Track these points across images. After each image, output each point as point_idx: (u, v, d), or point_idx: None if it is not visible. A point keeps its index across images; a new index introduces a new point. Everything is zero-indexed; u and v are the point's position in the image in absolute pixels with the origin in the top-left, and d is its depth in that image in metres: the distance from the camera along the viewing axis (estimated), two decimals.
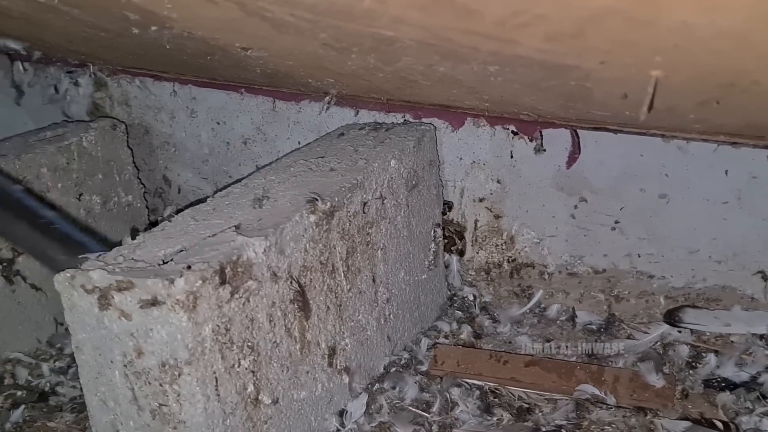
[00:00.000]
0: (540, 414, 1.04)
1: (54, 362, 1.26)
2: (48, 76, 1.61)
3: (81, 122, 1.47)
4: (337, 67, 0.93)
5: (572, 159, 1.17)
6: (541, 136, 1.18)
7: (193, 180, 1.57)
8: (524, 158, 1.25)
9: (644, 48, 0.54)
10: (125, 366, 0.81)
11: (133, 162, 1.50)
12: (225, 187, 1.07)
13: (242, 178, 1.09)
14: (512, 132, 1.23)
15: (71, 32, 1.05)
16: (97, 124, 1.43)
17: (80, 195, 1.36)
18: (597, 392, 1.06)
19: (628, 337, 1.20)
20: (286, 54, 0.90)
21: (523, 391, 1.09)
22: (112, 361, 0.82)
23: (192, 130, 1.54)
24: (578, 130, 1.14)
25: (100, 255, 0.85)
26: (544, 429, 1.01)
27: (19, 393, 1.18)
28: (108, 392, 0.84)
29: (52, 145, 1.33)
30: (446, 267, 1.35)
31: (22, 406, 1.13)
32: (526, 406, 1.06)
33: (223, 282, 0.81)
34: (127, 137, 1.48)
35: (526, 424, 1.03)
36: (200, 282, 0.78)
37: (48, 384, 1.20)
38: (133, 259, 0.84)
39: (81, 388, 1.17)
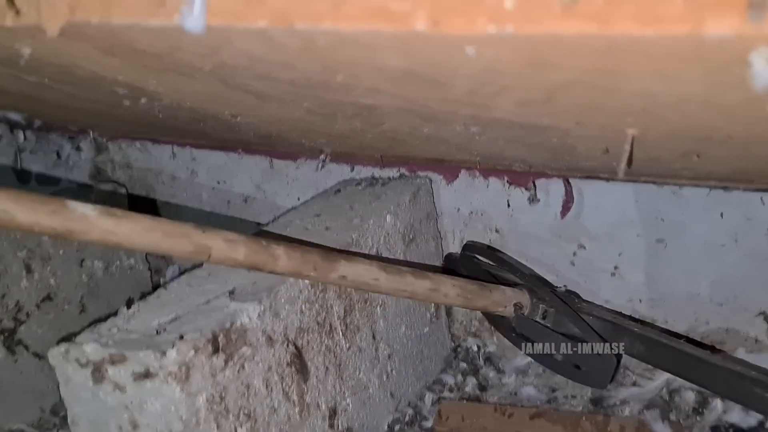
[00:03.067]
0: None
1: (57, 431, 1.26)
2: (50, 142, 1.64)
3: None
4: (326, 130, 0.95)
5: (566, 208, 1.17)
6: (535, 186, 1.18)
7: None
8: (521, 207, 1.25)
9: (614, 110, 0.55)
10: None
11: None
12: None
13: None
14: (508, 181, 1.23)
15: (66, 105, 1.07)
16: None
17: (82, 261, 1.37)
18: None
19: (633, 384, 1.18)
20: (275, 120, 0.92)
21: None
22: None
23: (193, 190, 1.55)
24: (570, 180, 1.14)
25: None
26: None
27: None
28: None
29: None
30: (448, 318, 1.34)
31: None
32: None
33: (216, 350, 0.81)
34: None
35: None
36: (192, 352, 0.78)
37: None
38: (127, 329, 0.85)
39: None
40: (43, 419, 1.28)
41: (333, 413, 1.01)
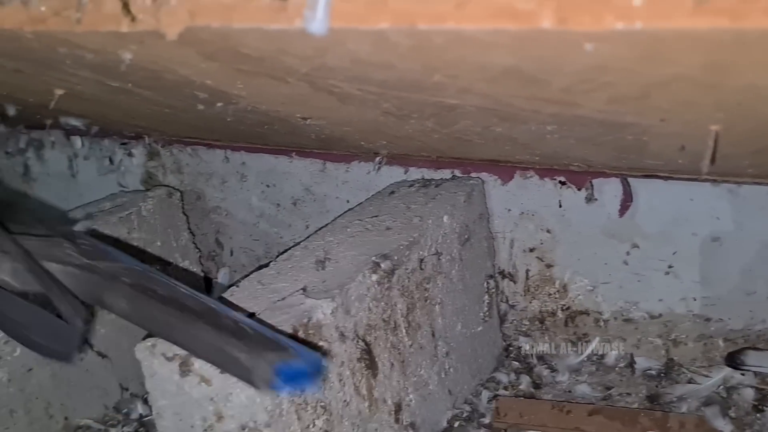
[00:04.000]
0: None
1: (122, 427, 1.29)
2: (102, 148, 1.68)
3: (138, 192, 1.52)
4: (393, 131, 0.97)
5: (624, 207, 1.19)
6: (592, 186, 1.20)
7: (245, 242, 1.62)
8: (573, 207, 1.27)
9: (707, 106, 0.57)
10: (205, 430, 0.84)
11: (188, 227, 1.55)
12: (285, 251, 1.10)
13: (301, 241, 1.13)
14: (560, 182, 1.25)
15: (135, 110, 1.10)
16: (154, 192, 1.48)
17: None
18: None
19: (689, 382, 1.20)
20: (345, 122, 0.94)
21: None
22: (192, 426, 0.85)
23: (242, 194, 1.58)
24: (629, 179, 1.16)
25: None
26: None
27: None
28: None
29: (114, 215, 1.38)
30: (501, 318, 1.36)
31: None
32: None
33: None
34: (182, 204, 1.53)
35: None
36: None
37: None
38: None
39: None
40: (108, 416, 1.31)
41: (398, 408, 1.03)
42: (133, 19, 0.59)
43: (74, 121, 1.38)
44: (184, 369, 0.82)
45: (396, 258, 1.03)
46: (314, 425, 0.87)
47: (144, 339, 0.86)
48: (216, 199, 1.61)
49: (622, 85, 0.54)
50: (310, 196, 1.52)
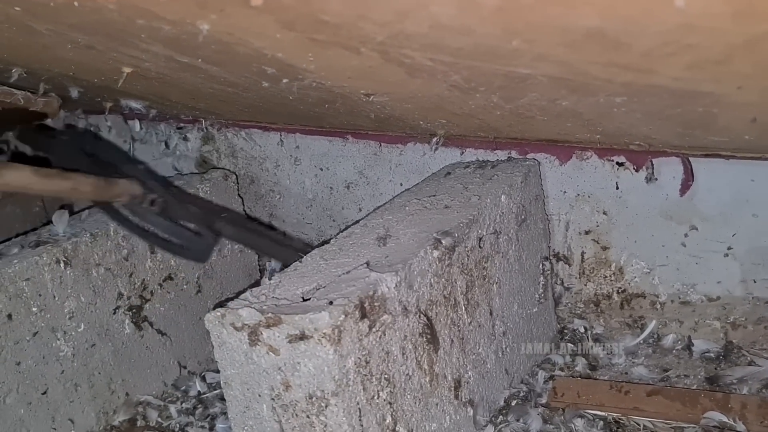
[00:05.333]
0: None
1: (181, 404, 1.32)
2: (159, 132, 1.71)
3: (195, 174, 1.55)
4: (455, 108, 0.97)
5: (685, 187, 1.18)
6: (652, 165, 1.19)
7: (298, 225, 1.63)
8: (630, 189, 1.26)
9: None
10: (273, 399, 0.85)
11: (243, 210, 1.57)
12: (345, 229, 1.11)
13: (359, 220, 1.14)
14: (617, 163, 1.24)
15: (197, 89, 1.12)
16: (210, 175, 1.50)
17: None
18: (725, 419, 1.05)
19: (750, 364, 1.18)
20: (408, 98, 0.95)
21: (649, 421, 1.09)
22: (260, 395, 0.86)
23: (296, 177, 1.60)
24: (690, 158, 1.14)
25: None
26: None
27: None
28: (256, 425, 0.88)
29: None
30: (555, 300, 1.36)
31: None
32: None
33: (363, 316, 0.85)
34: (238, 187, 1.55)
35: None
36: (343, 316, 0.82)
37: (178, 425, 1.25)
38: (275, 297, 0.89)
39: (209, 428, 1.24)
40: (166, 392, 1.34)
41: (458, 385, 1.04)
42: None
43: (134, 104, 1.41)
44: (253, 339, 0.84)
45: (456, 235, 1.04)
46: (378, 396, 0.88)
47: (213, 309, 0.88)
48: (269, 183, 1.63)
49: (705, 47, 0.54)
50: (363, 180, 1.53)
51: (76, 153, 1.30)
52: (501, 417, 1.12)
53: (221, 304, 0.89)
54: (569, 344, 1.32)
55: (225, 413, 1.26)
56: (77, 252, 1.22)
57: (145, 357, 1.32)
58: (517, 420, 1.11)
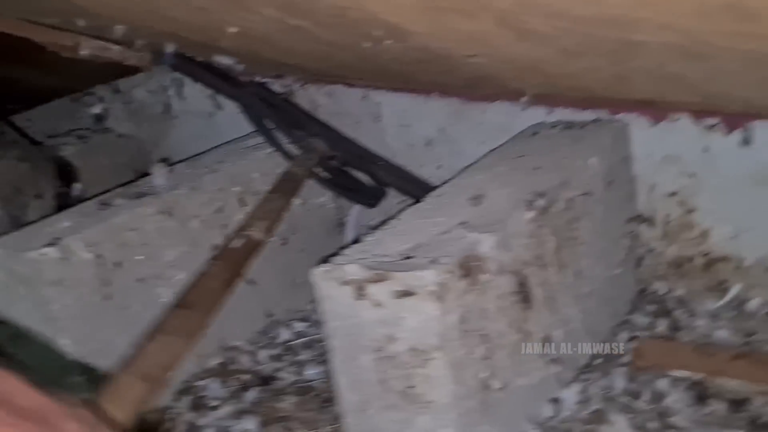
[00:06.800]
0: (757, 405, 1.05)
1: (269, 350, 1.38)
2: None
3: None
4: (554, 69, 0.98)
5: None
6: (747, 128, 1.17)
7: None
8: (721, 152, 1.25)
9: None
10: (375, 351, 0.89)
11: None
12: (435, 188, 1.14)
13: (449, 180, 1.16)
14: (709, 126, 1.23)
15: (294, 48, 1.15)
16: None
17: None
18: None
19: None
20: (509, 59, 0.96)
21: (735, 383, 1.10)
22: (363, 346, 0.90)
23: (376, 133, 1.62)
24: None
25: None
26: (763, 419, 1.01)
27: (244, 377, 1.30)
28: (358, 374, 0.92)
29: (260, 151, 1.45)
30: (637, 261, 1.37)
31: (251, 389, 1.25)
32: (740, 397, 1.07)
33: (464, 275, 0.88)
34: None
35: (742, 415, 1.04)
36: (447, 274, 0.85)
37: (268, 370, 1.31)
38: (377, 254, 0.92)
39: (297, 374, 1.30)
40: (254, 339, 1.40)
41: (546, 342, 1.07)
42: None
43: (225, 59, 1.44)
44: (359, 293, 0.88)
45: (548, 197, 1.05)
46: (476, 351, 0.91)
47: (319, 264, 0.91)
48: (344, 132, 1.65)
49: None
50: (444, 137, 1.54)
51: (261, 104, 1.44)
52: (585, 375, 1.14)
53: (325, 260, 0.93)
54: (650, 305, 1.34)
55: (312, 360, 1.33)
56: (177, 204, 1.27)
57: (235, 305, 1.37)
58: (601, 378, 1.14)
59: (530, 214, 1.01)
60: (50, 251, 1.11)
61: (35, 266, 1.10)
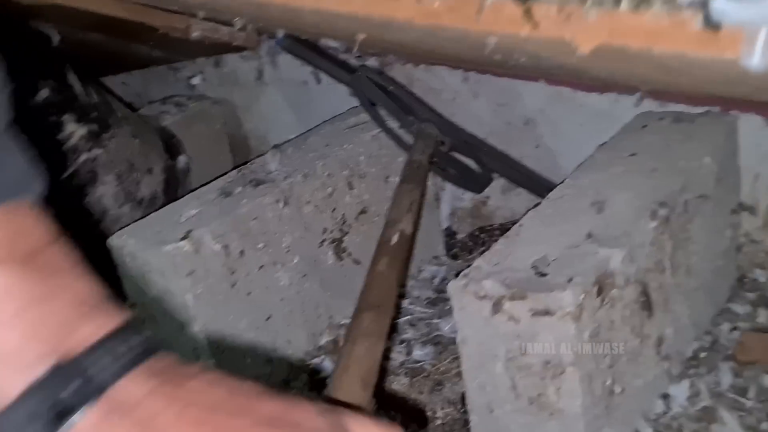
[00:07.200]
0: None
1: None
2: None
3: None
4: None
5: None
6: None
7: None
8: None
9: None
10: (508, 360, 0.95)
11: None
12: (553, 188, 1.17)
13: (565, 179, 1.18)
14: None
15: (417, 49, 1.16)
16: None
17: (387, 177, 1.51)
18: None
19: None
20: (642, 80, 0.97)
21: None
22: (495, 355, 0.96)
23: (473, 110, 1.64)
24: None
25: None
26: None
27: None
28: (487, 379, 0.98)
29: (366, 133, 1.49)
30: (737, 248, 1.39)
31: None
32: None
33: (599, 293, 0.92)
34: None
35: None
36: (583, 295, 0.89)
37: None
38: (510, 268, 0.97)
39: (407, 353, 1.36)
40: None
41: (660, 342, 1.11)
42: (535, 26, 0.64)
43: (333, 43, 1.46)
44: (495, 308, 0.92)
45: (671, 205, 1.07)
46: (603, 363, 0.96)
47: (456, 277, 0.96)
48: (446, 114, 1.68)
49: None
50: (544, 118, 1.55)
51: (374, 89, 1.47)
52: (692, 370, 1.19)
53: (461, 272, 0.97)
54: (749, 293, 1.36)
55: (417, 340, 1.39)
56: (292, 191, 1.33)
57: (343, 284, 1.44)
58: (707, 373, 1.18)
59: (653, 224, 1.04)
60: (184, 244, 1.18)
61: (171, 259, 1.17)
